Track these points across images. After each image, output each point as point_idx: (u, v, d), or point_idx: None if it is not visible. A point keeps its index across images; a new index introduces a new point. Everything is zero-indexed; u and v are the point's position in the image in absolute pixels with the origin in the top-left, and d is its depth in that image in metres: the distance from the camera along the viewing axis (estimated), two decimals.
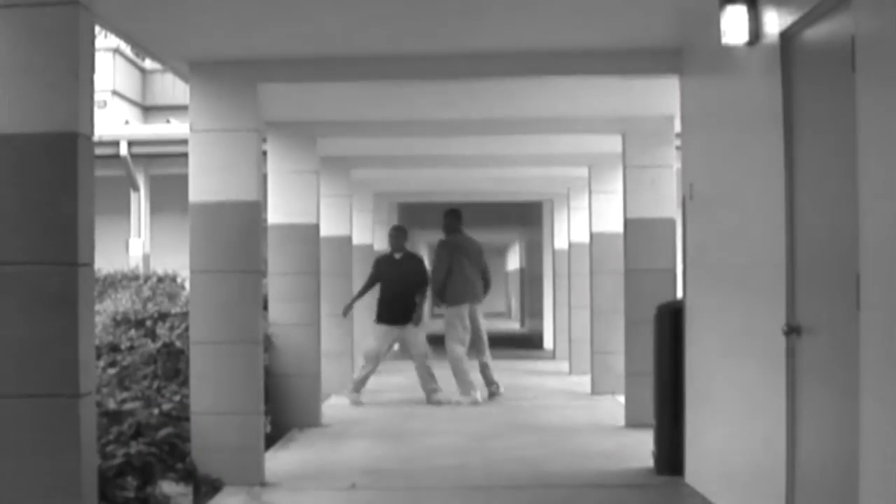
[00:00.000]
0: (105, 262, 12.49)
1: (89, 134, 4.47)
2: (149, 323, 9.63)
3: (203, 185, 7.73)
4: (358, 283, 13.04)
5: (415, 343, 12.24)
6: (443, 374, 12.39)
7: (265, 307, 9.10)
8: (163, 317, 9.67)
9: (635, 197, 10.09)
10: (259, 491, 7.42)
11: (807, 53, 5.09)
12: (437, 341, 13.03)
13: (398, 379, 14.76)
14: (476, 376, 12.45)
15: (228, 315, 7.69)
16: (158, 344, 9.22)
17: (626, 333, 10.01)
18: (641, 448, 8.36)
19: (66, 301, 4.34)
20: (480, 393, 12.31)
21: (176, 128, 15.13)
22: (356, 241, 13.72)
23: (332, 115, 10.37)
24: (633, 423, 9.94)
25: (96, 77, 4.69)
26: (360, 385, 12.24)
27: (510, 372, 14.97)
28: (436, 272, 12.47)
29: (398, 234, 12.71)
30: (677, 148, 9.65)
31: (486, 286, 12.76)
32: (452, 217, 12.63)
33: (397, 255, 12.53)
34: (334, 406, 11.90)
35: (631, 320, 9.84)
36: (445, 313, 12.55)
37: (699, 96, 7.28)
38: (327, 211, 12.38)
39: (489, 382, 12.60)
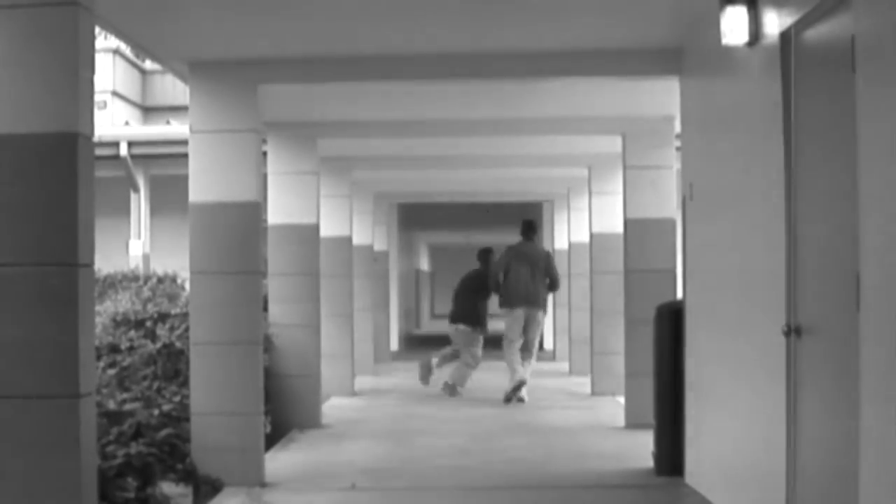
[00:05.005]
0: (105, 262, 12.49)
1: (89, 134, 4.47)
2: (149, 323, 9.62)
3: (203, 186, 7.73)
4: (358, 284, 13.05)
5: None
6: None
7: (265, 308, 9.10)
8: (163, 317, 9.66)
9: (635, 197, 10.10)
10: (259, 492, 7.42)
11: (807, 54, 5.09)
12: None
13: (396, 380, 14.78)
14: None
15: (228, 316, 7.69)
16: (158, 345, 9.21)
17: (626, 334, 10.00)
18: (641, 448, 8.36)
19: (66, 301, 4.33)
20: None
21: (176, 129, 15.10)
22: (356, 241, 13.71)
23: (332, 116, 10.36)
24: (633, 423, 9.93)
25: (96, 78, 4.68)
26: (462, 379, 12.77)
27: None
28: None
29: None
30: (677, 148, 9.65)
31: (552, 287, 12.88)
32: (526, 226, 12.95)
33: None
34: (334, 407, 11.89)
35: (631, 321, 9.84)
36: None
37: (699, 97, 7.28)
38: (327, 211, 12.37)
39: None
